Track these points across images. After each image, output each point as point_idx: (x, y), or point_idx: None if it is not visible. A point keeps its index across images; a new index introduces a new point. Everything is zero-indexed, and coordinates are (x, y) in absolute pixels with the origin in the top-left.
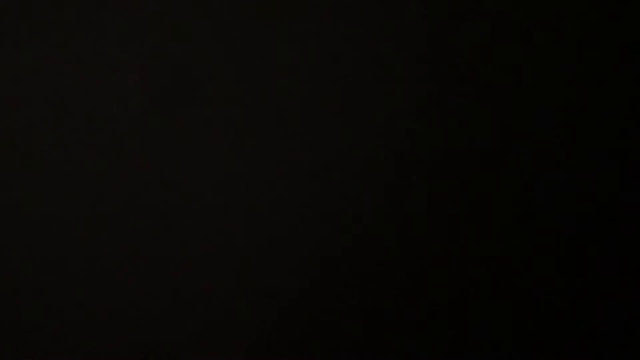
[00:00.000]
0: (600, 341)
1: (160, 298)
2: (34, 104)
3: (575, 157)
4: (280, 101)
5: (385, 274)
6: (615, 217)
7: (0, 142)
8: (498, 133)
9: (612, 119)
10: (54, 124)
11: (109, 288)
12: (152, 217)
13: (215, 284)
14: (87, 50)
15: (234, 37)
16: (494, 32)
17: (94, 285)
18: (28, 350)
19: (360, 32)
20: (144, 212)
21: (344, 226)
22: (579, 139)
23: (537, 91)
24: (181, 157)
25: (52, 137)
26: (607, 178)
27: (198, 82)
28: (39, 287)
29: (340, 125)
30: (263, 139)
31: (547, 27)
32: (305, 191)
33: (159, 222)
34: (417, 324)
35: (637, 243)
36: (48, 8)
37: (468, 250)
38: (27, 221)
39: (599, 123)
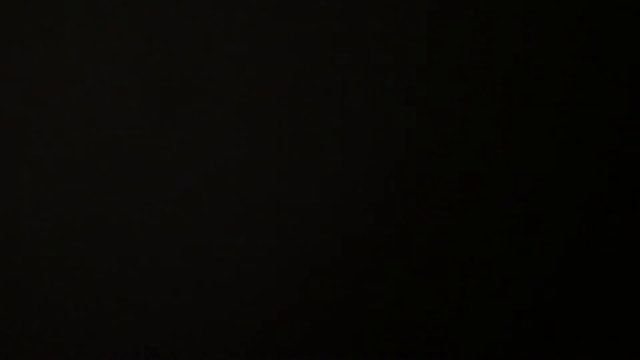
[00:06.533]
0: (600, 341)
1: (160, 298)
2: (32, 104)
3: (574, 157)
4: (281, 102)
5: (385, 275)
6: (616, 217)
7: None
8: (496, 134)
9: (611, 119)
10: (53, 124)
11: (108, 288)
12: (152, 217)
13: (215, 284)
14: (86, 49)
15: (234, 38)
16: (493, 32)
17: (93, 285)
18: (28, 350)
19: (361, 33)
20: (143, 212)
21: (344, 226)
22: (578, 138)
23: (536, 92)
24: (181, 157)
25: (51, 138)
26: (607, 178)
27: (198, 82)
28: (39, 287)
29: (341, 126)
30: (263, 139)
31: (546, 27)
32: (307, 191)
33: (159, 222)
34: (417, 325)
35: (637, 243)
36: (47, 7)
37: (466, 251)
38: (26, 221)
39: (598, 123)
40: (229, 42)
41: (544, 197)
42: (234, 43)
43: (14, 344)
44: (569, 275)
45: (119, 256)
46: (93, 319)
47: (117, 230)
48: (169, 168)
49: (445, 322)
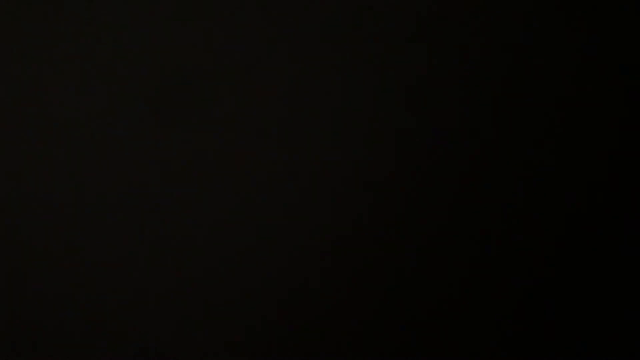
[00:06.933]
0: (599, 341)
1: (159, 299)
2: (34, 105)
3: (574, 157)
4: (280, 101)
5: (384, 274)
6: (614, 217)
7: (1, 143)
8: (494, 134)
9: (610, 119)
10: (53, 124)
11: (108, 289)
12: (152, 217)
13: (215, 284)
14: (87, 50)
15: (235, 39)
16: (490, 33)
17: (93, 286)
18: (27, 351)
19: (361, 33)
20: (142, 213)
21: (342, 226)
22: (576, 139)
23: (533, 92)
24: (180, 157)
25: (51, 137)
26: (606, 178)
27: (199, 83)
28: (38, 288)
29: (341, 126)
30: (262, 139)
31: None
32: (306, 191)
33: (159, 222)
34: (414, 324)
35: (636, 243)
36: (49, 8)
37: (464, 251)
38: (26, 222)
39: (596, 123)
40: (229, 42)
41: (544, 197)
42: (234, 43)
43: (14, 345)
44: (568, 275)
45: (119, 256)
46: (93, 320)
47: (117, 231)
48: (168, 167)
49: (443, 322)
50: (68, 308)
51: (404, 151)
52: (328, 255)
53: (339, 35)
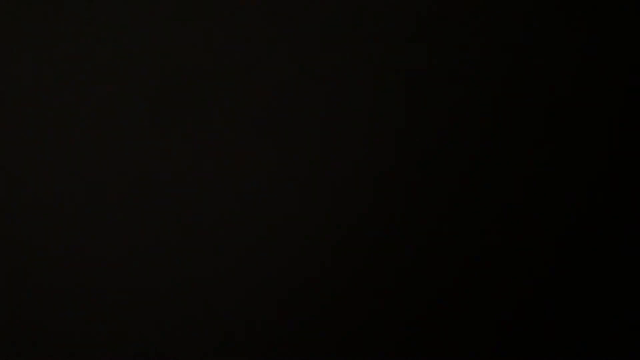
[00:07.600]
0: (599, 341)
1: (158, 298)
2: (34, 105)
3: (573, 157)
4: (280, 102)
5: (384, 274)
6: (614, 217)
7: (1, 143)
8: (494, 134)
9: (608, 119)
10: (54, 125)
11: (107, 288)
12: (151, 217)
13: (214, 284)
14: (88, 51)
15: (235, 39)
16: (488, 34)
17: (93, 285)
18: (25, 350)
19: (360, 34)
20: (142, 213)
21: (342, 225)
22: (574, 139)
23: (531, 92)
24: (180, 158)
25: (51, 138)
26: (605, 178)
27: (199, 83)
28: (38, 288)
29: (341, 126)
30: (262, 139)
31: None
32: (306, 191)
33: (158, 222)
34: (414, 324)
35: (636, 243)
36: (49, 8)
37: (464, 251)
38: (26, 222)
39: (595, 123)
40: (229, 42)
41: (544, 197)
42: (234, 43)
43: (14, 345)
44: (568, 275)
45: (119, 256)
46: (93, 320)
47: (117, 231)
48: (168, 167)
49: (443, 321)
50: (68, 308)
51: (403, 151)
52: (328, 255)
53: (339, 35)
